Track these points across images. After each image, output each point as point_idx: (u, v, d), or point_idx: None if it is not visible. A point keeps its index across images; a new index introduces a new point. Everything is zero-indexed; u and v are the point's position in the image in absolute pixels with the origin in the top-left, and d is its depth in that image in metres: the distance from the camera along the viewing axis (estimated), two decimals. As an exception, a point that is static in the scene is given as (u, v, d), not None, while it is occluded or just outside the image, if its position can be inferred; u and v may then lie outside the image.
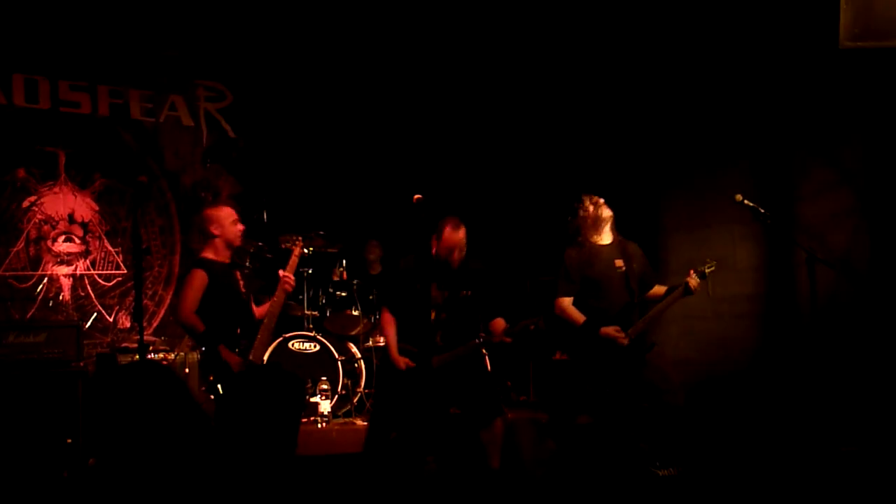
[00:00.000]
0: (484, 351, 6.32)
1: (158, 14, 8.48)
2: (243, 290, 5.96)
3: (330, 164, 9.34)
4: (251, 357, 5.66)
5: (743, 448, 6.23)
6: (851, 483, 5.18)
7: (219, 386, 5.45)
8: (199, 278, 5.63)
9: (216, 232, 5.79)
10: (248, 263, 7.92)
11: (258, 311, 6.01)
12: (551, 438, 6.45)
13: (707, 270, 5.92)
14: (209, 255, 5.79)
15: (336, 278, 8.28)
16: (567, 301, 6.06)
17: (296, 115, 9.32)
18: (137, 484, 2.89)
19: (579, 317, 5.96)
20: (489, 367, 6.71)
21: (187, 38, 8.77)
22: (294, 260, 5.97)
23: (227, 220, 5.82)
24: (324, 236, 7.91)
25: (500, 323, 6.04)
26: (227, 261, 5.87)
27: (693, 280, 5.87)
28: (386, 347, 6.07)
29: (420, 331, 5.87)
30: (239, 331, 5.78)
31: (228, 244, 5.82)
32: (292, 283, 5.87)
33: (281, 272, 5.85)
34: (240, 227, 5.87)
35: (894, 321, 6.57)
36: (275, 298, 5.84)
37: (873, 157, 6.90)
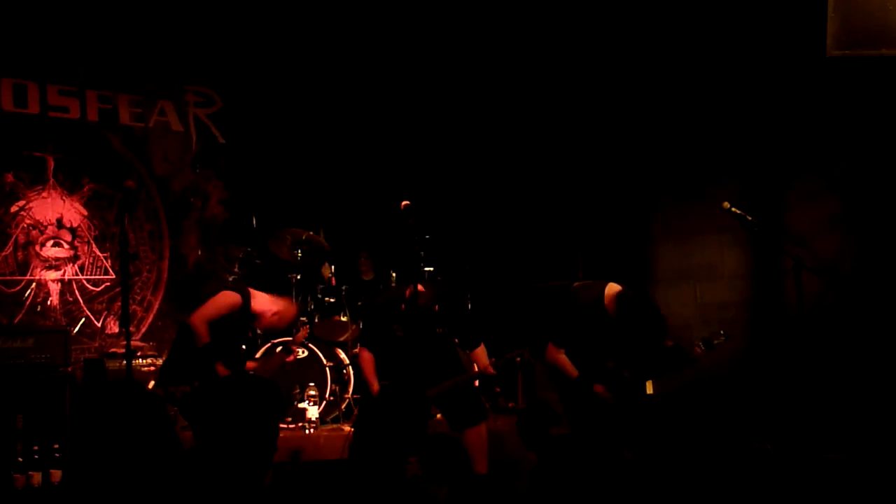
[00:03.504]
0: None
1: (148, 19, 8.49)
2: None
3: (319, 169, 9.36)
4: None
5: (728, 452, 6.25)
6: (833, 490, 5.19)
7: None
8: (233, 302, 5.75)
9: (275, 317, 6.02)
10: (236, 269, 7.92)
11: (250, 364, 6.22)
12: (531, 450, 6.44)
13: (716, 342, 5.77)
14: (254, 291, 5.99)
15: (327, 274, 8.31)
16: None
17: (285, 119, 9.34)
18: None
19: None
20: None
21: (177, 44, 8.77)
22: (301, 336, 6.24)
23: (288, 315, 6.07)
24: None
25: (481, 354, 6.14)
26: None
27: (699, 350, 5.74)
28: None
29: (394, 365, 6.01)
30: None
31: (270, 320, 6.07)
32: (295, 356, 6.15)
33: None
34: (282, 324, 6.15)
35: (880, 327, 6.60)
36: (272, 361, 6.06)
37: (859, 165, 6.94)
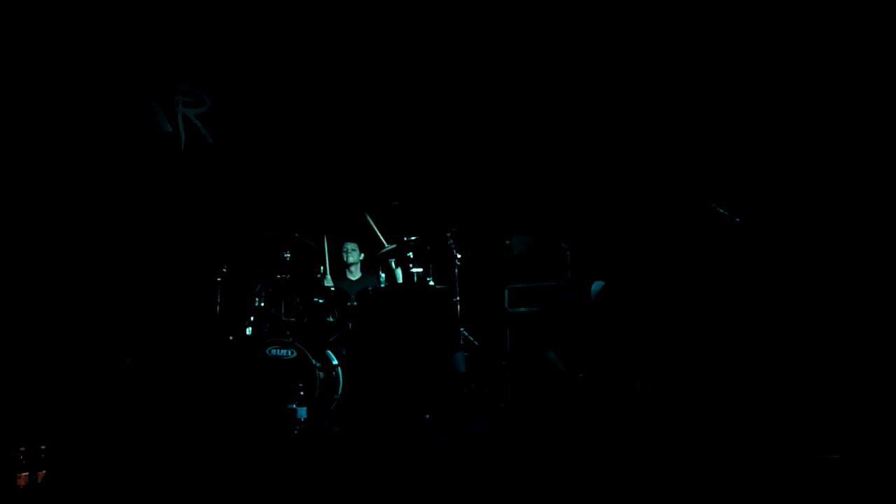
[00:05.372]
0: None
1: (137, 19, 8.48)
2: None
3: (310, 169, 9.37)
4: None
5: (719, 451, 6.26)
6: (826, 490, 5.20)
7: None
8: None
9: None
10: (224, 269, 7.92)
11: None
12: None
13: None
14: None
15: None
16: None
17: (274, 120, 9.33)
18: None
19: None
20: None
21: (167, 43, 8.75)
22: None
23: None
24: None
25: (460, 359, 6.20)
26: None
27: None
28: None
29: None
30: None
31: None
32: None
33: None
34: None
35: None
36: None
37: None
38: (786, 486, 5.31)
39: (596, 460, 5.75)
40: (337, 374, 7.73)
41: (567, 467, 5.74)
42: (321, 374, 7.56)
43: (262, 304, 7.96)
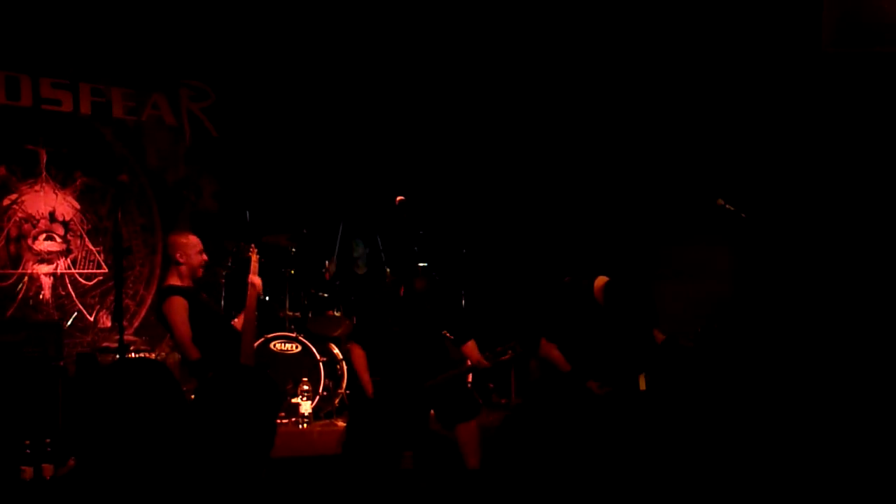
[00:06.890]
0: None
1: (142, 11, 8.45)
2: (214, 307, 6.05)
3: (314, 163, 9.35)
4: (241, 362, 5.73)
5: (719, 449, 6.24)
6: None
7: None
8: (179, 303, 5.62)
9: (181, 260, 5.76)
10: (230, 263, 7.91)
11: (237, 322, 6.09)
12: None
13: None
14: (174, 282, 5.77)
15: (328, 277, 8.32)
16: None
17: (279, 113, 9.32)
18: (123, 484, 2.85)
19: None
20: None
21: (170, 37, 8.73)
22: (254, 265, 6.02)
23: (192, 250, 5.80)
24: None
25: (473, 348, 6.14)
26: (192, 286, 5.87)
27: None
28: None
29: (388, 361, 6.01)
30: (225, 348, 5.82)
31: (192, 273, 5.80)
32: (259, 285, 5.95)
33: (249, 278, 5.93)
34: (204, 257, 5.87)
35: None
36: (248, 304, 5.89)
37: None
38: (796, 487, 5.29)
39: (601, 459, 5.73)
40: (342, 368, 7.72)
41: (572, 465, 5.73)
42: (325, 368, 7.55)
43: (267, 298, 7.96)
